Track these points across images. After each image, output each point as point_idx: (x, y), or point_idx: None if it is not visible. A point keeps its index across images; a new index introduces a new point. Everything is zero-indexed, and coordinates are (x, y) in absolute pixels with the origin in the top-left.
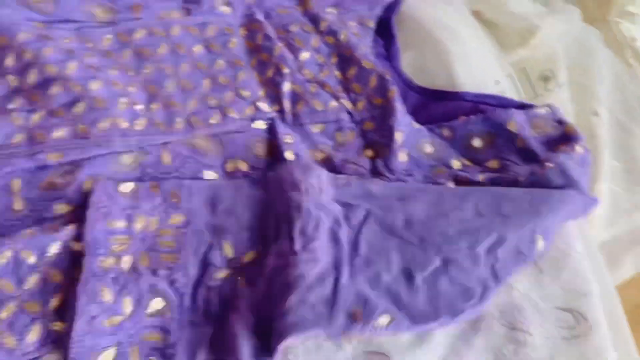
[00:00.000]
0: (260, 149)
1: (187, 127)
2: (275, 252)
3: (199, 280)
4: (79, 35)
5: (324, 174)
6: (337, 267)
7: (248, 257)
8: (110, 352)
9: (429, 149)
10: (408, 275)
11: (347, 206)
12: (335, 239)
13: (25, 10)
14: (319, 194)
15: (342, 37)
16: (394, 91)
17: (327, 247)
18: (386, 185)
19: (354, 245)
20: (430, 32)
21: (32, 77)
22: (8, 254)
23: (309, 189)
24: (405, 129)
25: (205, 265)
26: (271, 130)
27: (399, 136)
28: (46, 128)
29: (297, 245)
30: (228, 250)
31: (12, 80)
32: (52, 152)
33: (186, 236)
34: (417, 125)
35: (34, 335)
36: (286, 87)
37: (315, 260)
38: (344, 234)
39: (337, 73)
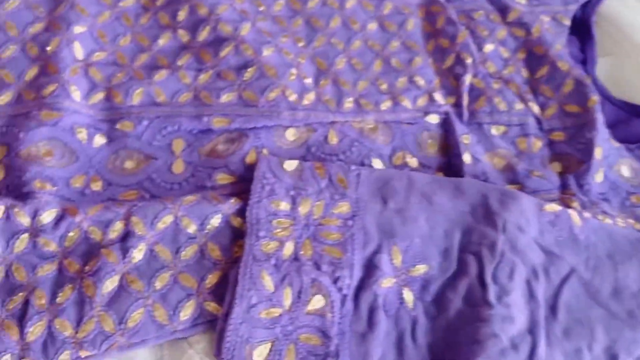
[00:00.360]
0: (432, 146)
1: (357, 108)
2: (462, 292)
3: (363, 283)
4: None
5: (527, 205)
6: (532, 331)
7: (418, 270)
8: (265, 347)
9: (627, 171)
10: (611, 358)
11: (549, 255)
12: (531, 294)
13: None
14: (519, 233)
15: (534, 31)
16: (595, 100)
17: (521, 302)
18: (594, 228)
19: (552, 308)
20: (632, 38)
21: (204, 34)
22: (169, 219)
23: (507, 225)
24: (605, 144)
25: (370, 268)
26: (445, 126)
27: (598, 152)
28: (214, 90)
29: (491, 296)
30: (397, 257)
31: (182, 35)
32: (219, 117)
33: (353, 230)
34: (616, 143)
35: (187, 312)
36: (467, 79)
37: (511, 319)
38: (541, 290)
39: (524, 71)
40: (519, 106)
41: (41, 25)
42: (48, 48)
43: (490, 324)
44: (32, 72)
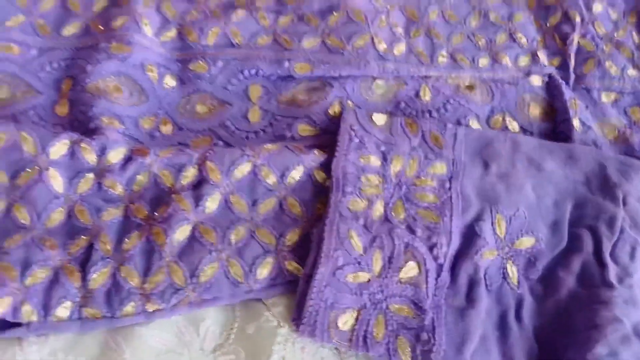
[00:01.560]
0: (534, 109)
1: (452, 63)
2: (576, 271)
3: (463, 253)
4: None
5: None
6: None
7: (523, 243)
8: (352, 315)
9: None
10: None
11: None
12: None
13: None
14: None
15: None
16: None
17: None
18: None
19: None
20: None
21: None
22: (247, 167)
23: (628, 199)
24: None
25: (471, 237)
26: (549, 90)
27: None
28: (295, 34)
29: (612, 276)
30: (500, 226)
31: None
32: (301, 62)
33: (451, 193)
34: None
35: (264, 270)
36: (575, 39)
37: (634, 302)
38: None
39: (635, 36)
40: (632, 72)
41: None
42: None
43: (611, 306)
44: (101, 3)
